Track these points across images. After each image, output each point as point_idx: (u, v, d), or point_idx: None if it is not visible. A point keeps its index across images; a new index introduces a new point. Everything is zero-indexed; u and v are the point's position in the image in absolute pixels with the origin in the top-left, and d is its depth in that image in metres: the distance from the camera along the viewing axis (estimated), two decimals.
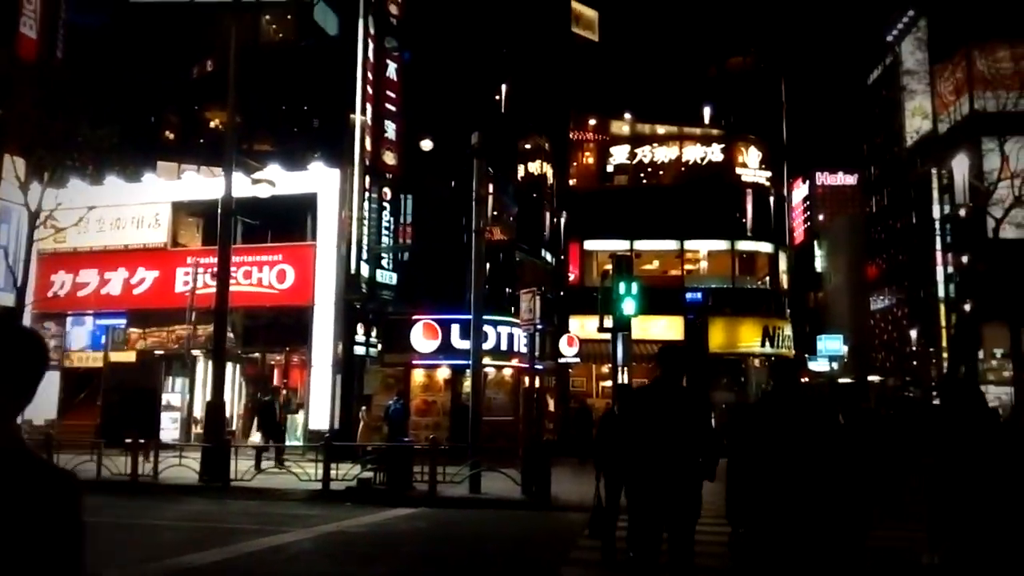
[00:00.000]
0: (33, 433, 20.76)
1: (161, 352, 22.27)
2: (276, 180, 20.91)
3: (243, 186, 20.85)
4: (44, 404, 22.68)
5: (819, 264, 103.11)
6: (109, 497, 14.67)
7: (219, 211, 16.93)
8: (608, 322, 14.71)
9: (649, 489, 4.97)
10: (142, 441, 16.41)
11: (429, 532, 11.29)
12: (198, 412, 23.51)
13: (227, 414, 24.01)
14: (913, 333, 75.57)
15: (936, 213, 74.51)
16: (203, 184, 21.35)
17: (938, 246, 73.99)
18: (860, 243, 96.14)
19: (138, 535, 10.52)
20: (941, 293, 72.26)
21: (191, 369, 22.86)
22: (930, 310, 73.24)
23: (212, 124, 25.27)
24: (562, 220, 26.91)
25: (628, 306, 14.14)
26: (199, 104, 24.62)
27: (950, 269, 72.23)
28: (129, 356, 22.48)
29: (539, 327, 15.05)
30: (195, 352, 22.87)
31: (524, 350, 22.39)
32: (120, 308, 22.46)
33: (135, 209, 22.57)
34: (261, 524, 11.32)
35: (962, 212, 29.43)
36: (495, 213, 20.96)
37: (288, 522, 11.70)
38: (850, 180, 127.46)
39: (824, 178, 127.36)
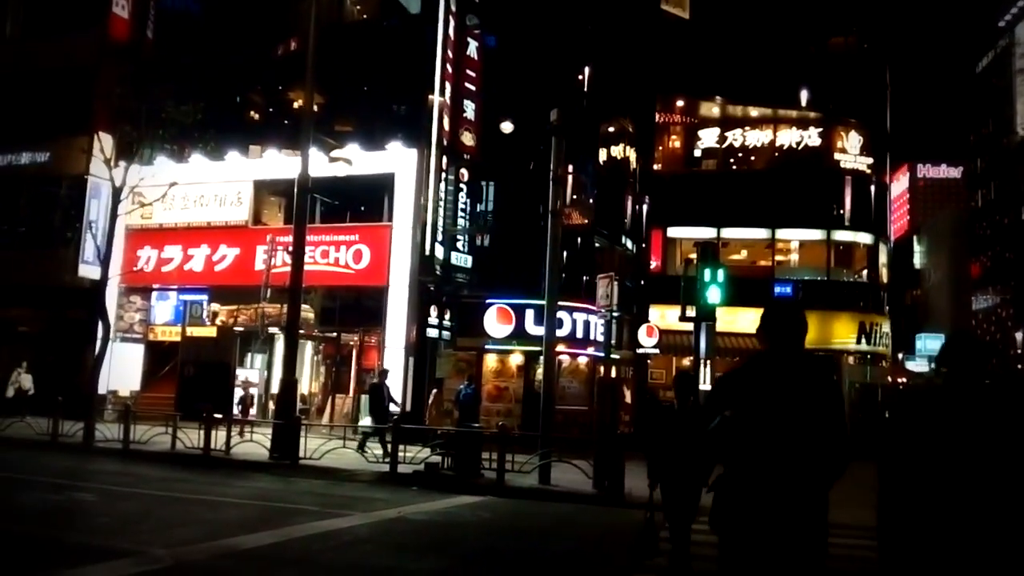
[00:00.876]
0: (117, 403, 21.38)
1: (241, 328, 22.45)
2: (354, 160, 20.78)
3: (321, 165, 20.79)
4: (129, 376, 23.35)
5: (918, 260, 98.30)
6: (181, 471, 14.80)
7: (295, 189, 16.76)
8: (691, 312, 13.83)
9: (755, 509, 3.53)
10: (217, 416, 16.53)
11: (492, 524, 10.75)
12: (276, 389, 23.81)
13: (303, 392, 24.39)
14: (1019, 335, 71.44)
15: None
16: (284, 163, 21.32)
17: None
18: (963, 239, 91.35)
19: (200, 511, 10.35)
20: None
21: (269, 346, 23.12)
22: None
23: (295, 104, 25.30)
24: (645, 206, 25.94)
25: (713, 294, 13.26)
26: (282, 84, 24.66)
27: None
28: (210, 332, 22.79)
29: (615, 314, 14.29)
30: (272, 330, 23.12)
31: (600, 338, 21.68)
32: (202, 284, 22.78)
33: (218, 187, 22.82)
34: (322, 506, 11.01)
35: None
36: (574, 196, 20.23)
37: (350, 504, 11.38)
38: (954, 173, 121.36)
39: (926, 170, 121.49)
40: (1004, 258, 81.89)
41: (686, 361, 25.19)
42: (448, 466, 14.71)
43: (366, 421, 17.34)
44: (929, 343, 55.97)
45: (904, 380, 37.59)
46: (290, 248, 16.84)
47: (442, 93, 19.78)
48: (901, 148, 28.17)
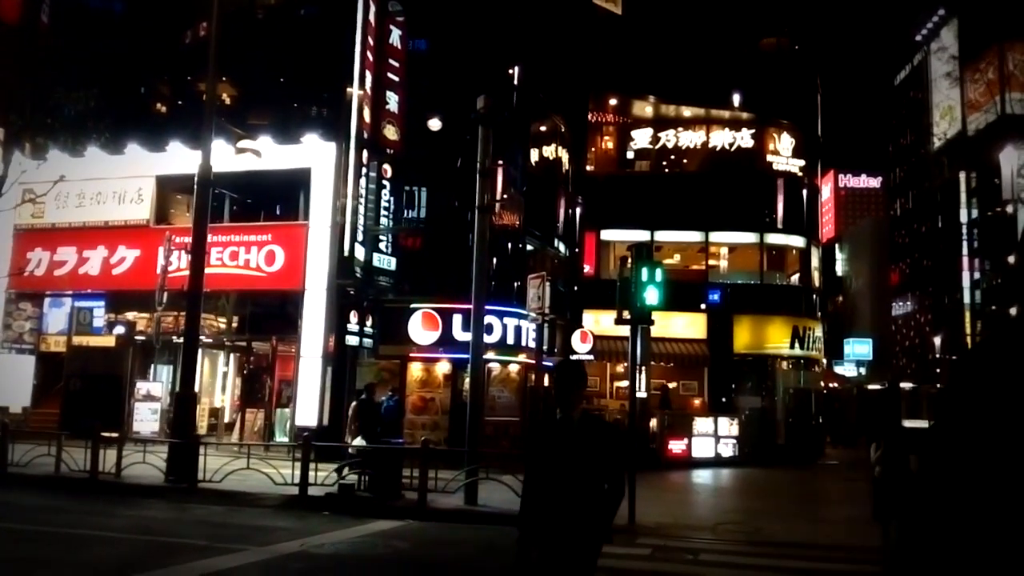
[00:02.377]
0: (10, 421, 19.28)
1: (142, 338, 20.60)
2: (268, 154, 19.27)
3: (231, 159, 19.24)
4: (19, 390, 21.23)
5: (839, 268, 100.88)
6: (64, 497, 13.11)
7: (195, 182, 15.21)
8: (627, 315, 12.84)
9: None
10: (111, 435, 14.85)
11: (408, 557, 9.50)
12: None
13: (215, 406, 22.63)
14: (937, 340, 73.61)
15: (963, 217, 72.43)
16: (191, 158, 19.40)
17: (965, 251, 71.94)
18: (883, 247, 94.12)
19: (61, 552, 8.81)
20: (967, 299, 70.22)
21: (178, 356, 21.35)
22: (955, 316, 71.18)
23: (205, 95, 23.57)
24: (578, 209, 25.03)
25: (651, 295, 12.30)
26: (191, 74, 22.90)
27: (976, 275, 70.19)
28: (107, 341, 20.87)
29: (548, 317, 13.22)
30: (178, 340, 21.33)
31: (533, 344, 20.61)
32: (99, 289, 20.88)
33: (117, 183, 20.99)
34: (212, 539, 9.58)
35: (1010, 208, 27.41)
36: (504, 196, 19.12)
37: (246, 537, 9.97)
38: (873, 183, 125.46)
39: (847, 180, 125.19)
40: (922, 265, 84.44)
41: (620, 368, 24.37)
42: (365, 487, 13.42)
43: (359, 441, 15.56)
44: (857, 348, 57.02)
45: (835, 385, 37.76)
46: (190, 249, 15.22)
47: (362, 83, 18.44)
48: (825, 156, 28.12)
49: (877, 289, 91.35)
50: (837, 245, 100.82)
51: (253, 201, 20.45)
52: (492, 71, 20.85)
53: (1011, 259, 24.13)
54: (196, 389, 21.98)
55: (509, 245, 20.93)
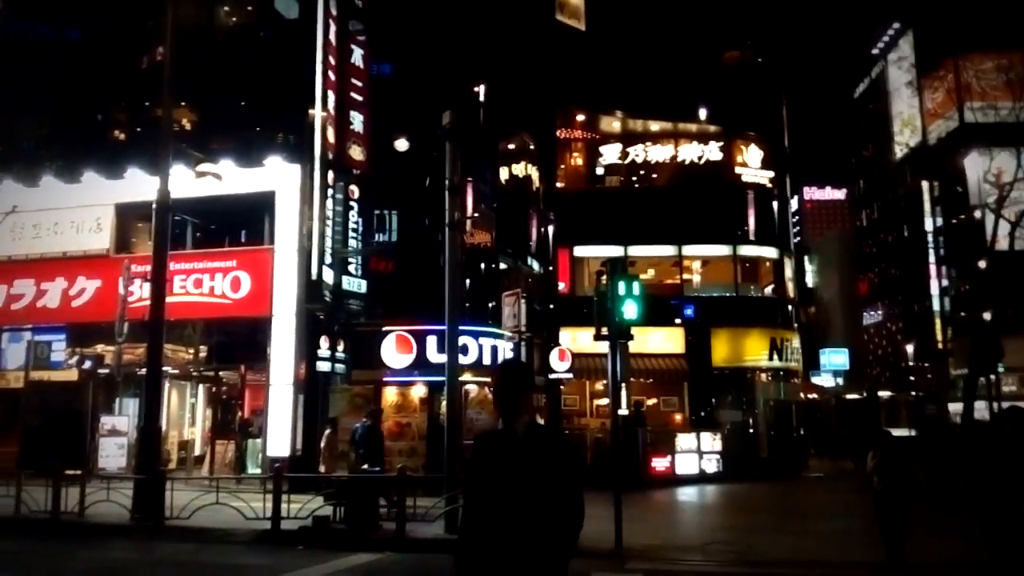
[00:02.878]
0: None
1: (105, 371, 19.84)
2: (230, 177, 18.84)
3: (193, 184, 18.75)
4: None
5: (809, 279, 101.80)
6: (24, 539, 12.43)
7: (154, 207, 14.68)
8: (605, 331, 12.48)
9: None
10: (75, 472, 14.18)
11: None
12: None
13: (184, 439, 21.87)
14: (909, 347, 74.27)
15: (928, 225, 73.38)
16: (150, 184, 18.87)
17: (932, 259, 72.83)
18: (851, 258, 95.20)
19: None
20: (936, 306, 70.97)
21: (139, 389, 20.61)
22: (925, 324, 71.91)
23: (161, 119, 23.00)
24: (551, 227, 24.76)
25: (629, 309, 11.96)
26: (149, 100, 22.34)
27: (945, 282, 71.07)
28: (69, 375, 20.08)
29: (524, 335, 12.84)
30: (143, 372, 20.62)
31: None
32: (58, 322, 20.09)
33: (74, 213, 20.32)
34: None
35: (977, 214, 27.56)
36: (475, 215, 18.77)
37: None
38: (838, 195, 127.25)
39: (812, 192, 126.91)
40: (890, 274, 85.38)
41: (599, 385, 24.03)
42: (341, 518, 12.87)
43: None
44: (833, 358, 57.20)
45: (815, 396, 37.69)
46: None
47: (324, 103, 18.05)
48: (791, 169, 28.35)
49: (847, 300, 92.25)
50: (806, 257, 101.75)
51: (217, 227, 19.90)
52: (457, 89, 20.57)
53: (982, 264, 24.22)
54: (163, 422, 21.44)
55: (482, 265, 20.56)
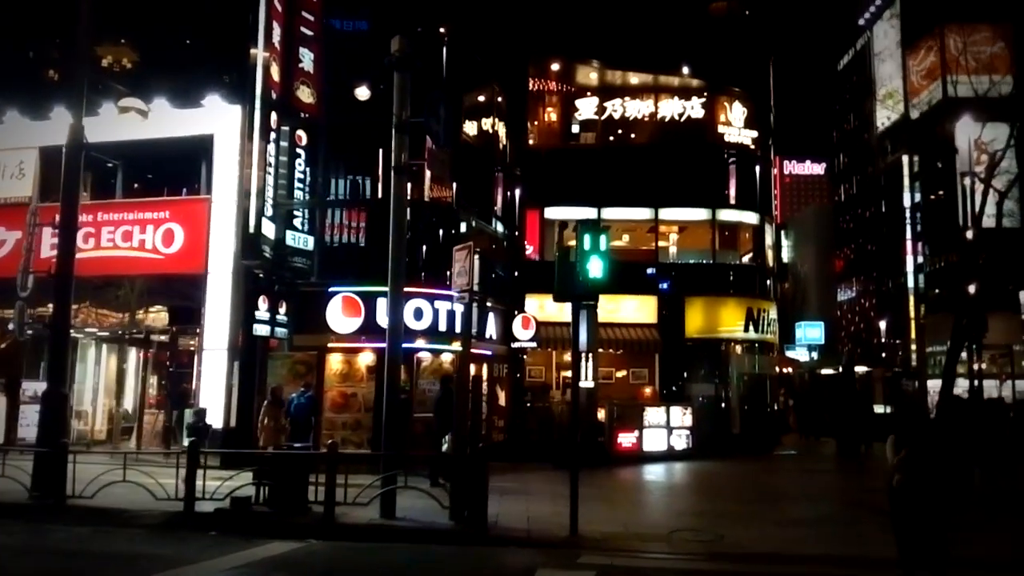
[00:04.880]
0: None
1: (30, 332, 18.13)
2: (166, 119, 17.22)
3: (126, 127, 17.04)
4: None
5: (785, 254, 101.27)
6: None
7: (64, 147, 12.94)
8: (566, 292, 11.01)
9: None
10: None
11: None
12: (86, 405, 19.64)
13: (125, 409, 20.16)
14: (882, 324, 74.06)
15: (907, 201, 72.78)
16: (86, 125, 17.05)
17: (908, 235, 72.33)
18: (828, 233, 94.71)
19: None
20: (911, 283, 70.59)
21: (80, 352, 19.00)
22: (899, 300, 71.57)
23: (104, 62, 21.03)
24: (518, 190, 23.15)
25: (595, 267, 10.48)
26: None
27: (920, 259, 70.64)
28: None
29: (477, 295, 11.35)
30: (79, 334, 18.95)
31: (485, 334, 18.75)
32: None
33: None
34: None
35: (967, 181, 26.38)
36: (429, 152, 16.93)
37: (98, 571, 8.01)
38: (818, 169, 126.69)
39: (791, 166, 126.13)
40: (866, 250, 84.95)
41: (568, 357, 22.63)
42: (265, 499, 11.41)
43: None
44: (809, 332, 56.43)
45: (789, 370, 36.69)
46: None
47: (268, 37, 16.21)
48: (775, 132, 26.84)
49: (823, 275, 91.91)
50: (783, 232, 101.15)
51: (152, 175, 18.19)
52: (422, 28, 18.77)
53: (969, 234, 23.12)
54: (94, 389, 19.83)
55: (440, 229, 18.88)
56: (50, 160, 18.55)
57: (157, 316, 18.25)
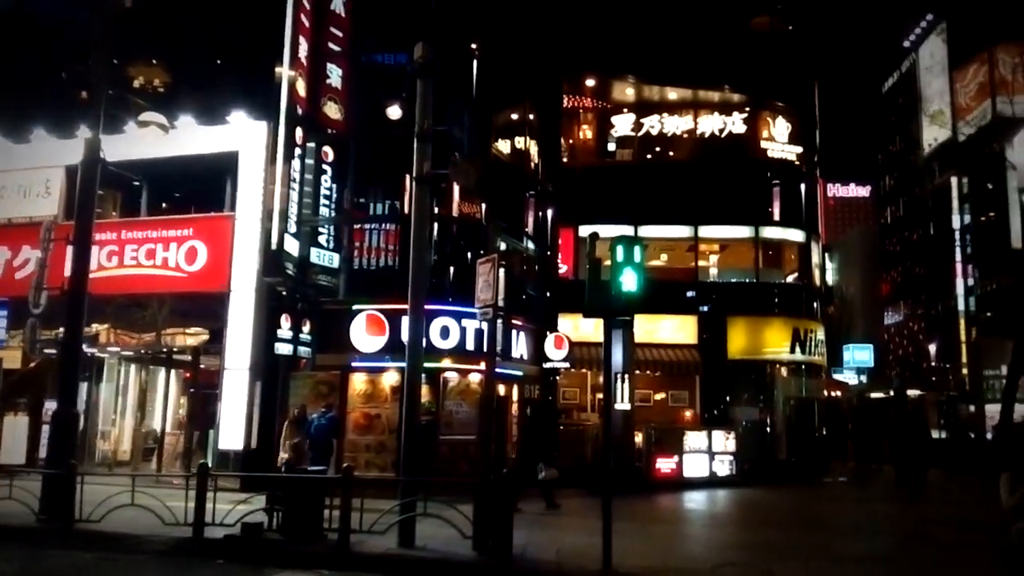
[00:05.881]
0: None
1: (54, 351, 17.87)
2: (191, 136, 16.90)
3: (151, 145, 16.75)
4: None
5: (830, 277, 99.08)
6: None
7: (81, 161, 12.63)
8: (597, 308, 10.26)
9: None
10: None
11: None
12: (111, 426, 19.31)
13: (154, 429, 19.74)
14: (932, 347, 71.79)
15: (956, 223, 70.72)
16: (110, 144, 16.82)
17: (958, 257, 70.19)
18: (874, 255, 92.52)
19: None
20: (961, 306, 68.31)
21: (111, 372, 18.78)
22: (949, 323, 69.28)
23: (136, 83, 20.98)
24: (550, 209, 22.49)
25: (628, 280, 9.71)
26: (118, 57, 20.31)
27: (970, 281, 68.41)
28: (11, 355, 18.14)
29: (502, 310, 10.65)
30: (104, 354, 18.70)
31: (515, 354, 18.04)
32: (1, 296, 18.14)
33: (21, 175, 18.40)
34: None
35: None
36: (454, 160, 16.31)
37: None
38: (863, 192, 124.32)
39: (836, 189, 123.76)
40: (914, 273, 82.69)
41: (603, 378, 21.76)
42: (278, 525, 10.76)
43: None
44: (858, 354, 54.58)
45: (838, 393, 35.16)
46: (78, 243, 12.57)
47: (295, 52, 15.86)
48: (821, 147, 25.82)
49: (869, 298, 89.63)
50: (827, 254, 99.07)
51: (178, 193, 17.93)
52: (452, 42, 18.30)
53: None
54: (122, 410, 19.50)
55: (469, 246, 18.20)
56: (75, 178, 18.45)
57: (184, 335, 17.88)
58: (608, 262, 9.99)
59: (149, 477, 14.35)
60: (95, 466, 18.13)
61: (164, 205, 18.65)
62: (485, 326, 11.35)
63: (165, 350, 17.76)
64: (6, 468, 15.12)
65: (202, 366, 17.14)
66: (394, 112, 18.99)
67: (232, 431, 15.53)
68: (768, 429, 21.99)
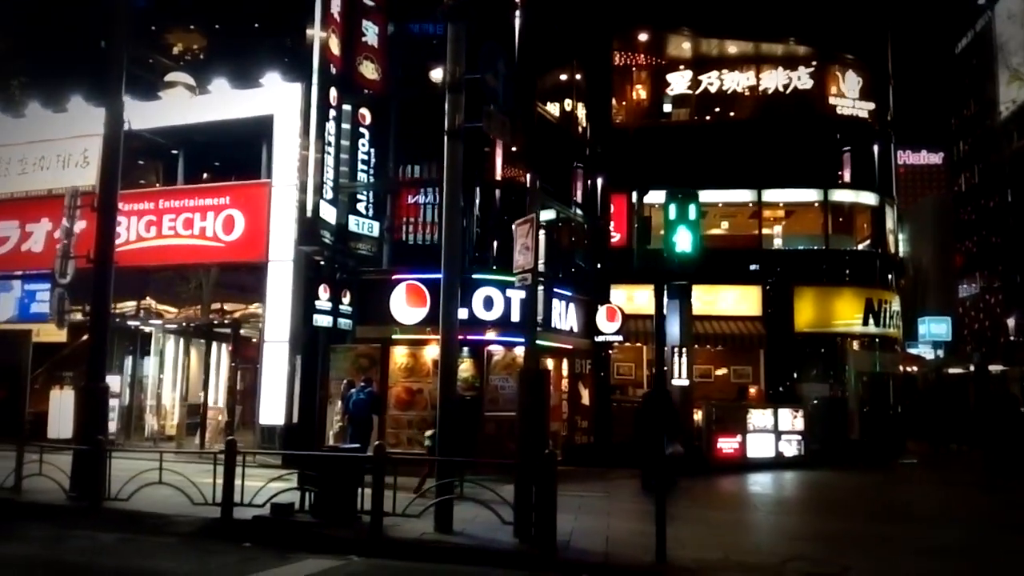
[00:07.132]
0: None
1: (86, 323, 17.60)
2: (225, 100, 16.32)
3: (187, 111, 16.36)
4: None
5: (901, 248, 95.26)
6: None
7: (105, 124, 12.06)
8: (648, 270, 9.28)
9: None
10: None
11: None
12: (161, 400, 19.10)
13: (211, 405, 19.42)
14: (1010, 321, 68.50)
15: None
16: (146, 111, 16.28)
17: None
18: (947, 225, 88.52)
19: None
20: None
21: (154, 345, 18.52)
22: None
23: (175, 49, 20.52)
24: (599, 177, 21.31)
25: (683, 239, 8.64)
26: (155, 24, 19.89)
27: None
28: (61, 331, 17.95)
29: (542, 276, 9.71)
30: (147, 327, 18.46)
31: (562, 326, 17.15)
32: (44, 268, 17.91)
33: (60, 145, 18.15)
34: None
35: None
36: (489, 111, 15.39)
37: None
38: (934, 159, 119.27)
39: (906, 156, 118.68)
40: (990, 242, 78.92)
41: None
42: (311, 505, 10.12)
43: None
44: (934, 327, 51.94)
45: (915, 368, 33.29)
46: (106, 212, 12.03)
47: (327, 7, 15.08)
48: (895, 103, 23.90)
49: (942, 269, 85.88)
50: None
51: (213, 161, 17.42)
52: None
53: None
54: (167, 383, 19.25)
55: (512, 212, 17.26)
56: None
57: (228, 308, 17.39)
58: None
59: (184, 454, 13.91)
60: (143, 441, 17.94)
61: (205, 176, 18.21)
62: (524, 294, 10.43)
63: (212, 321, 17.31)
64: (52, 444, 14.90)
65: (252, 339, 16.64)
66: (437, 74, 18.08)
67: (273, 406, 15.02)
68: (839, 406, 20.58)
